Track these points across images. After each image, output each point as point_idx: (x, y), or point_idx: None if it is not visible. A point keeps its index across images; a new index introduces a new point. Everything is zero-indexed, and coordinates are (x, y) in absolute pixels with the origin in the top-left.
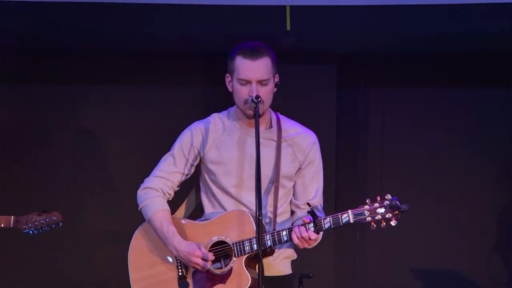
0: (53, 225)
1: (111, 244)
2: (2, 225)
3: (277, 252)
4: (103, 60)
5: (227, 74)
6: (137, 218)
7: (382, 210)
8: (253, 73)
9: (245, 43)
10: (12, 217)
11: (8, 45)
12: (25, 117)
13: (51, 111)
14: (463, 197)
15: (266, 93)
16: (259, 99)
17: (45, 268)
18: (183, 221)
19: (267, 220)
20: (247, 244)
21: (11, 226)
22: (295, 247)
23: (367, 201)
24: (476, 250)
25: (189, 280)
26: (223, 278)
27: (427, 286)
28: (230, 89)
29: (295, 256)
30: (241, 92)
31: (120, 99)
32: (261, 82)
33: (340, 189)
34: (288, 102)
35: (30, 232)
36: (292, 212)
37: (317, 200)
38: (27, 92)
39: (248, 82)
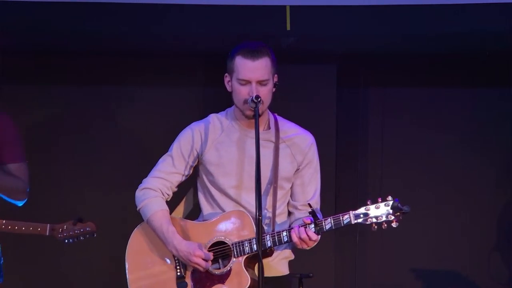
0: (87, 235)
1: (109, 245)
2: (39, 229)
3: (275, 253)
4: (103, 60)
5: (226, 74)
6: (136, 218)
7: (383, 211)
8: (253, 73)
9: (245, 43)
10: (48, 225)
11: (8, 45)
12: (25, 118)
13: (51, 111)
14: (463, 197)
15: (266, 93)
16: (259, 99)
17: (43, 268)
18: (182, 221)
19: (267, 221)
20: (246, 245)
21: (47, 234)
22: (293, 248)
23: (368, 202)
24: (476, 250)
25: (188, 280)
26: (222, 278)
27: (427, 286)
28: (229, 89)
29: (292, 257)
30: (241, 92)
31: (119, 99)
32: (260, 82)
33: (340, 189)
34: (288, 102)
35: (66, 241)
36: (289, 213)
37: (315, 201)
38: (27, 92)
39: (247, 82)
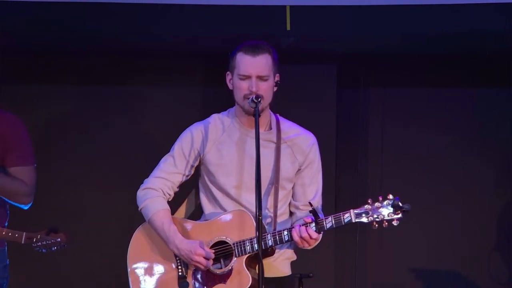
0: (59, 246)
1: (111, 245)
2: (16, 236)
3: (277, 253)
4: (103, 60)
5: (228, 72)
6: (137, 218)
7: (384, 210)
8: (253, 68)
9: (246, 41)
10: (24, 233)
11: (8, 45)
12: (25, 118)
13: (51, 111)
14: (463, 197)
15: (266, 88)
16: (259, 99)
17: (46, 269)
18: (183, 221)
19: (268, 220)
20: (247, 244)
21: (23, 242)
22: (295, 248)
23: (369, 201)
24: (476, 250)
25: (189, 280)
26: (224, 278)
27: (427, 286)
28: (230, 87)
29: (295, 257)
30: (241, 87)
31: (119, 99)
32: (261, 78)
33: (340, 189)
34: (288, 102)
35: (40, 250)
36: (291, 213)
37: (317, 201)
38: (27, 92)
39: (247, 77)
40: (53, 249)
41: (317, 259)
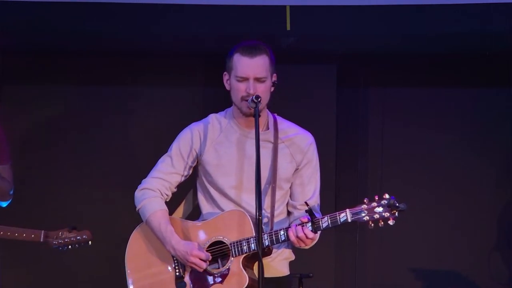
0: (83, 244)
1: (109, 245)
2: (33, 236)
3: (275, 253)
4: (103, 60)
5: (225, 73)
6: (136, 219)
7: (380, 209)
8: (250, 70)
9: (243, 42)
10: (43, 231)
11: (8, 45)
12: (25, 118)
13: (51, 111)
14: (463, 197)
15: (263, 90)
16: (259, 99)
17: (42, 269)
18: (180, 221)
19: (265, 220)
20: (244, 244)
21: (41, 240)
22: (293, 248)
23: (365, 200)
24: (476, 250)
25: (187, 280)
26: (221, 278)
27: (427, 286)
28: (227, 87)
29: (293, 257)
30: (239, 89)
31: (119, 99)
32: (258, 80)
33: (340, 189)
34: (288, 102)
35: (60, 248)
36: (289, 213)
37: (314, 200)
38: (27, 92)
39: (245, 79)
40: (76, 246)
41: (317, 259)
